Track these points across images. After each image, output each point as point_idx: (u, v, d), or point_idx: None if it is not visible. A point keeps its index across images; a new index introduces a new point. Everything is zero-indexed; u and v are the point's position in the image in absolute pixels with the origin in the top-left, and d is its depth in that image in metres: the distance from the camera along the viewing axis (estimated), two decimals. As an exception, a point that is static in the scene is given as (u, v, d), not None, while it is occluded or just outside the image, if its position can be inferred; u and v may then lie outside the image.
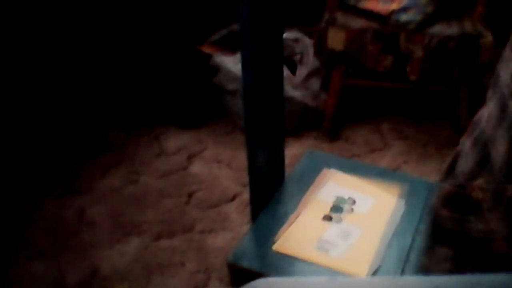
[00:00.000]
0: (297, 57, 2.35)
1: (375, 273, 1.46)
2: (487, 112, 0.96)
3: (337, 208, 1.65)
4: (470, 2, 2.07)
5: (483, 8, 2.02)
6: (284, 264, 1.50)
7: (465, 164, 0.99)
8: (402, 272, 1.46)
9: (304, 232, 1.58)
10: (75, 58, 2.32)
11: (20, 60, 2.25)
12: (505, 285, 0.50)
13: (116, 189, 2.01)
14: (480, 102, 2.33)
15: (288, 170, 1.83)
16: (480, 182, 0.92)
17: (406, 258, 1.50)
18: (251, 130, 1.59)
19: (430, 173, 2.04)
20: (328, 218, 1.62)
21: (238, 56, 2.20)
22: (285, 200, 1.70)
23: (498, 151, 0.88)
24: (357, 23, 2.05)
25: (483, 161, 0.93)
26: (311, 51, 2.26)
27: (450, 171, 1.05)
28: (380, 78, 2.17)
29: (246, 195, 1.90)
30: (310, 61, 2.26)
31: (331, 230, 1.58)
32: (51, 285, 1.66)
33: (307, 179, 1.76)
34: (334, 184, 1.74)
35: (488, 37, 1.97)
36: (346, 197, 1.69)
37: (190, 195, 1.97)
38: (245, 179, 1.76)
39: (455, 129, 2.22)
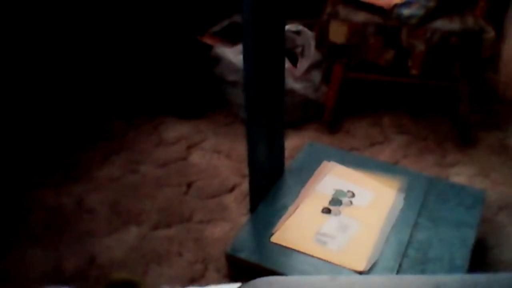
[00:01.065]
0: (299, 50, 2.35)
1: (372, 267, 1.46)
2: None
3: (336, 201, 1.65)
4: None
5: (484, 3, 2.02)
6: (282, 256, 1.50)
7: None
8: (400, 266, 1.47)
9: (302, 224, 1.58)
10: (76, 47, 2.31)
11: (20, 49, 2.24)
12: (505, 285, 0.50)
13: (115, 178, 2.00)
14: (480, 98, 2.33)
15: (287, 162, 1.83)
16: None
17: (404, 252, 1.51)
18: (251, 121, 1.59)
19: (429, 167, 2.03)
20: (327, 210, 1.62)
21: (239, 47, 2.19)
22: (284, 192, 1.70)
23: None
24: (359, 16, 2.04)
25: None
26: (312, 44, 2.26)
27: None
28: (381, 72, 2.17)
29: (245, 186, 1.89)
30: (312, 54, 2.26)
31: (330, 223, 1.58)
32: (48, 273, 1.66)
33: (307, 171, 1.76)
34: (334, 177, 1.74)
35: (490, 33, 1.97)
36: (345, 190, 1.69)
37: (189, 185, 1.97)
38: (245, 170, 1.76)
39: (455, 125, 2.22)
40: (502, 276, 0.52)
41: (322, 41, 2.12)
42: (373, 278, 0.56)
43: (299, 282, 0.59)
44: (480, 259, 1.68)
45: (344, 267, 1.46)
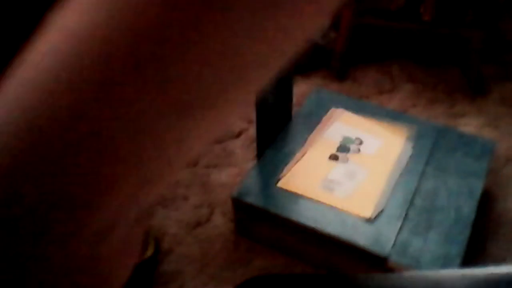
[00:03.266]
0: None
1: (379, 214, 1.46)
2: None
3: (343, 147, 1.64)
4: None
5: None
6: (288, 201, 1.50)
7: None
8: (406, 214, 1.46)
9: (309, 170, 1.58)
10: None
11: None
12: (509, 282, 0.49)
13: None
14: (494, 47, 2.28)
15: (295, 109, 1.80)
16: None
17: (410, 201, 1.50)
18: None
19: (438, 116, 2.01)
20: (334, 157, 1.61)
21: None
22: (292, 138, 1.69)
23: None
24: (373, -41, 1.99)
25: None
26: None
27: None
28: (392, 18, 2.12)
29: (251, 132, 1.88)
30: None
31: (337, 170, 1.57)
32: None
33: (315, 118, 1.74)
34: (342, 124, 1.72)
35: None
36: (353, 137, 1.67)
37: (195, 130, 1.96)
38: (251, 115, 1.74)
39: (465, 75, 2.18)
40: (506, 269, 0.51)
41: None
42: (372, 275, 0.55)
43: (296, 280, 0.58)
44: (486, 209, 1.67)
45: (350, 214, 1.45)
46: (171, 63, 0.23)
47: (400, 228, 1.43)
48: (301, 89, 2.06)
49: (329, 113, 1.76)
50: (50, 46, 0.24)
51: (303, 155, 1.61)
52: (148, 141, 0.25)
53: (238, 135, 1.93)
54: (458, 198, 1.52)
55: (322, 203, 1.48)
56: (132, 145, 0.24)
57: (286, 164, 1.59)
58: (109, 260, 0.28)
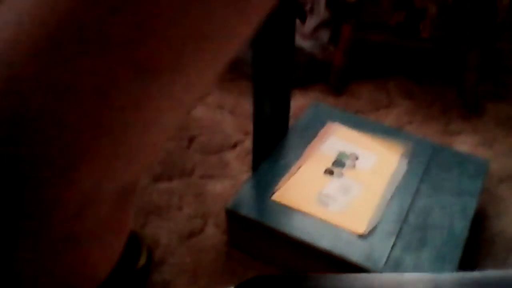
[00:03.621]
0: (308, 7, 2.30)
1: (373, 230, 1.46)
2: None
3: (339, 162, 1.64)
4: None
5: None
6: (283, 215, 1.50)
7: None
8: (400, 231, 1.47)
9: (304, 184, 1.58)
10: None
11: None
12: (510, 283, 0.49)
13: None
14: (492, 68, 2.29)
15: (292, 122, 1.81)
16: None
17: (404, 218, 1.51)
18: (259, 78, 1.57)
19: (433, 134, 2.02)
20: (329, 172, 1.61)
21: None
22: (288, 151, 1.69)
23: None
24: (373, -24, 2.00)
25: None
26: (322, 1, 2.21)
27: None
28: (391, 34, 2.13)
29: (247, 143, 1.88)
30: (321, 12, 2.22)
31: (332, 185, 1.58)
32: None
33: (311, 132, 1.75)
34: (338, 139, 1.73)
35: None
36: (349, 152, 1.68)
37: (191, 140, 1.96)
38: (248, 126, 1.74)
39: (461, 93, 2.19)
40: (506, 273, 0.51)
41: None
42: (371, 275, 0.55)
43: (294, 280, 0.58)
44: (479, 229, 1.68)
45: (344, 229, 1.46)
46: (135, 24, 0.23)
47: (393, 245, 1.43)
48: (298, 102, 2.07)
49: (325, 127, 1.77)
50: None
51: (298, 169, 1.61)
52: (115, 107, 0.24)
53: (234, 146, 1.94)
54: (452, 216, 1.52)
55: (316, 217, 1.48)
56: (95, 108, 0.23)
57: (281, 177, 1.59)
58: (87, 242, 0.27)
